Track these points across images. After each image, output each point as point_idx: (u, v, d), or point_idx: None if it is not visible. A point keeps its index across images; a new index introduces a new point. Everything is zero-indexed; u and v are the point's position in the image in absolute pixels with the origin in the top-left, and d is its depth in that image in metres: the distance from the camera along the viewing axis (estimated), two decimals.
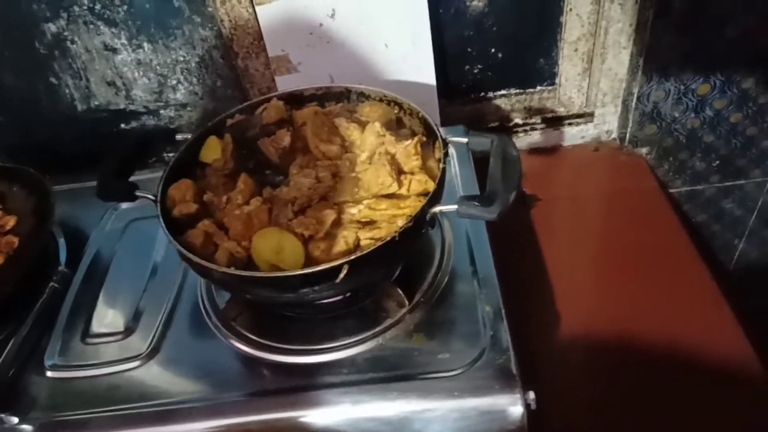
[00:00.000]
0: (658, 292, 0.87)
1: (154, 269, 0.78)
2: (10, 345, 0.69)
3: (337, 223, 0.62)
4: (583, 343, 0.81)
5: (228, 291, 0.70)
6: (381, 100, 0.75)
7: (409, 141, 0.65)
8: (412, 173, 0.64)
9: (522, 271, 0.89)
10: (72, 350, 0.70)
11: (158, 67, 0.97)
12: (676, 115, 0.99)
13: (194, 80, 0.99)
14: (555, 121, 1.06)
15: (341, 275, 0.56)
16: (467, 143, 0.67)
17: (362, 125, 0.70)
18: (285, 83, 0.96)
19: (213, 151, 0.72)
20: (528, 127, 1.07)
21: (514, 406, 0.58)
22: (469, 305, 0.66)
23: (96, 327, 0.72)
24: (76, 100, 1.00)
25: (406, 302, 0.67)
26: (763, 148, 1.04)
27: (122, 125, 1.03)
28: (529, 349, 0.68)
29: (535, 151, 1.08)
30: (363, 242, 0.60)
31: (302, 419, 0.61)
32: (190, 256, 0.59)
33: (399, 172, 0.64)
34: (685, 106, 0.98)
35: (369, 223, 0.61)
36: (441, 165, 0.63)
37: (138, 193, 0.68)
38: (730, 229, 1.16)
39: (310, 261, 0.59)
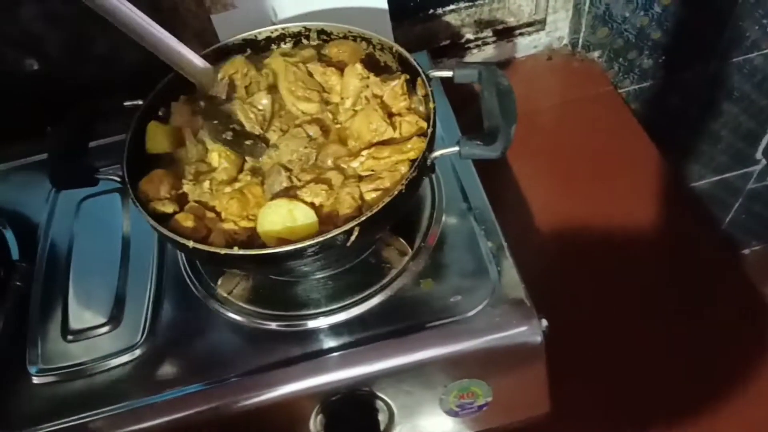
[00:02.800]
0: (626, 192, 0.91)
1: (124, 246, 0.71)
2: None
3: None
4: (567, 253, 0.84)
5: (228, 268, 0.65)
6: (346, 37, 0.69)
7: (395, 81, 0.61)
8: (400, 115, 0.61)
9: (494, 191, 0.90)
10: (55, 351, 0.64)
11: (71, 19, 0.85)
12: (627, 14, 0.99)
13: (114, 29, 0.88)
14: (506, 33, 1.03)
15: (352, 238, 0.53)
16: (452, 77, 0.63)
17: (338, 68, 0.65)
18: (223, 22, 0.87)
19: (159, 140, 0.64)
20: (480, 42, 1.03)
21: (533, 336, 0.60)
22: (470, 243, 0.66)
23: (76, 322, 0.66)
24: None
25: (409, 249, 0.65)
26: (706, 39, 1.07)
27: (37, 85, 0.91)
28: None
29: None
30: (366, 196, 0.56)
31: (323, 386, 0.59)
32: (193, 245, 0.54)
33: (389, 115, 0.60)
34: (635, 5, 0.98)
35: (368, 175, 0.58)
36: (431, 104, 0.59)
37: (100, 177, 0.60)
38: (675, 121, 1.21)
39: (321, 227, 0.56)
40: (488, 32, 1.02)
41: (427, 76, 0.62)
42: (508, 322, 0.60)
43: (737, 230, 1.61)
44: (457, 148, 0.56)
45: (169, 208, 0.60)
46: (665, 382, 0.75)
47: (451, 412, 0.63)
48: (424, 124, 0.60)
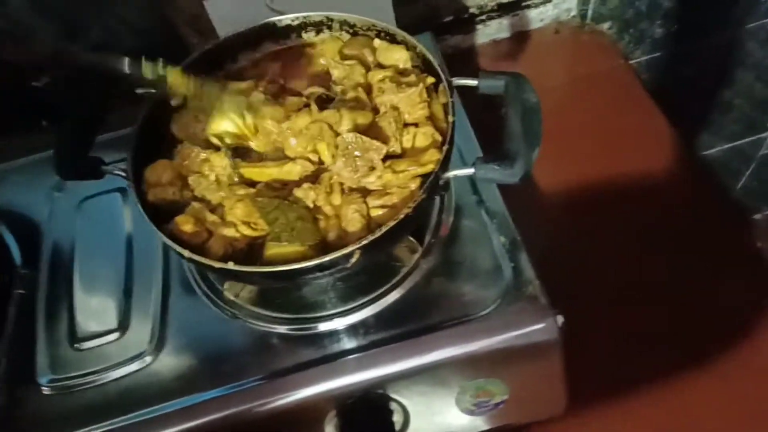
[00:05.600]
0: (638, 167, 0.89)
1: (128, 248, 0.70)
2: None
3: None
4: (579, 235, 0.83)
5: (225, 278, 0.64)
6: (370, 29, 0.65)
7: (413, 88, 0.57)
8: (416, 125, 0.57)
9: None
10: (64, 360, 0.63)
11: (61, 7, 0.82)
12: None
13: (107, 17, 0.84)
14: (512, 6, 0.99)
15: (352, 260, 0.51)
16: (477, 86, 0.59)
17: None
18: (216, 7, 0.84)
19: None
20: (485, 16, 0.99)
21: (549, 334, 0.58)
22: (482, 239, 0.64)
23: (83, 330, 0.65)
24: None
25: (418, 246, 0.63)
26: (720, 5, 1.03)
27: (30, 79, 0.88)
28: None
29: (494, 42, 1.02)
30: (372, 212, 0.54)
31: (336, 390, 0.59)
32: (189, 255, 0.52)
33: (403, 124, 0.58)
34: None
35: (376, 190, 0.56)
36: (450, 118, 0.56)
37: (106, 169, 0.59)
38: (687, 91, 1.17)
39: (327, 245, 0.54)
40: (494, 5, 0.98)
41: (449, 83, 0.59)
42: (524, 319, 0.59)
43: (748, 197, 1.58)
44: (472, 170, 0.54)
45: (168, 193, 0.59)
46: (678, 352, 0.75)
47: (467, 411, 0.62)
48: (440, 138, 0.57)
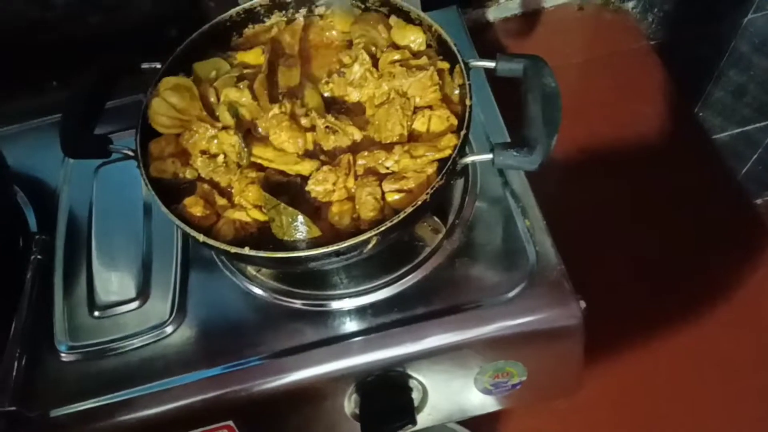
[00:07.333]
0: (660, 162, 0.88)
1: (146, 216, 0.69)
2: (12, 333, 0.61)
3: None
4: (593, 220, 0.83)
5: (237, 261, 0.63)
6: (383, 6, 0.63)
7: (423, 72, 0.56)
8: (430, 108, 0.56)
9: None
10: (84, 327, 0.63)
11: None
12: None
13: None
14: None
15: (369, 246, 0.51)
16: (495, 68, 0.58)
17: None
18: None
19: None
20: None
21: (571, 319, 0.59)
22: (506, 221, 0.64)
23: (103, 297, 0.64)
24: None
25: (442, 227, 0.63)
26: None
27: (42, 36, 0.86)
28: None
29: (516, 17, 1.00)
30: (388, 197, 0.53)
31: (356, 367, 0.59)
32: (204, 239, 0.52)
33: (414, 109, 0.56)
34: None
35: (391, 173, 0.55)
36: (468, 102, 0.55)
37: (112, 148, 0.58)
38: (704, 74, 1.16)
39: (337, 230, 0.54)
40: None
41: (466, 65, 0.57)
42: (547, 304, 0.59)
43: (751, 182, 1.60)
44: (490, 156, 0.53)
45: (168, 168, 0.57)
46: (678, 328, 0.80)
47: (484, 390, 0.63)
48: (455, 121, 0.56)
